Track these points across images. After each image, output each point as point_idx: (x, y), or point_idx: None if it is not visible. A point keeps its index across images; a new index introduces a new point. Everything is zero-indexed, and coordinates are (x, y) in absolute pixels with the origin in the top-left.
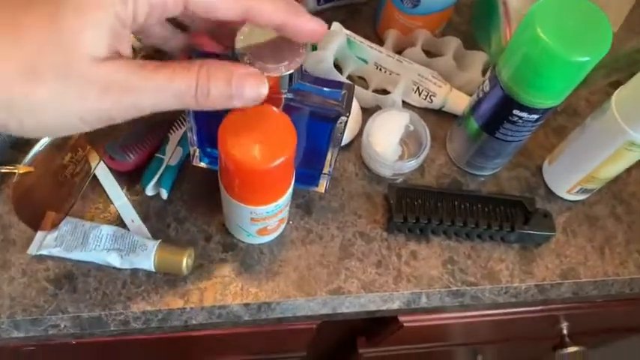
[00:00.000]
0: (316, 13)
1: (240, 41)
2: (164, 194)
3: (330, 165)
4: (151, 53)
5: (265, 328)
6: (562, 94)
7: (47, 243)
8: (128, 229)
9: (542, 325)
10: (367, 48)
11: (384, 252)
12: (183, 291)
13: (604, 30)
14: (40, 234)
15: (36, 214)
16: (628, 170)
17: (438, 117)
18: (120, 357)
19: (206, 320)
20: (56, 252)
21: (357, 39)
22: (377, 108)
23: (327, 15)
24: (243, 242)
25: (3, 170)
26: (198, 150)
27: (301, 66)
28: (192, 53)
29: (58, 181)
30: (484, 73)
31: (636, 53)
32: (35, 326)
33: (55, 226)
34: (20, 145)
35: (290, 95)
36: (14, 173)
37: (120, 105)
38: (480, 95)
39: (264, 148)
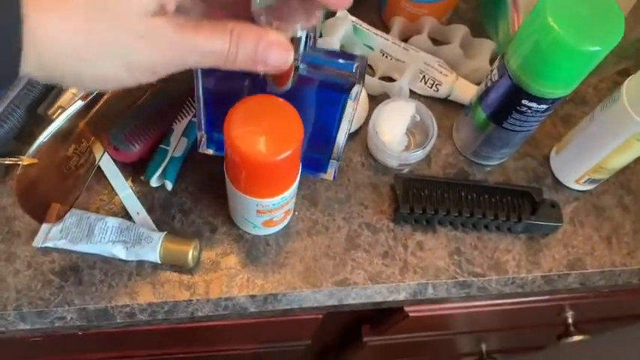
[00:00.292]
0: None
1: (256, 3)
2: (169, 186)
3: (340, 149)
4: None
5: (271, 318)
6: (572, 84)
7: (52, 235)
8: (133, 221)
9: (547, 314)
10: (373, 35)
11: (391, 243)
12: (189, 283)
13: (616, 20)
14: (45, 226)
15: (40, 206)
16: (636, 160)
17: (444, 106)
18: (126, 346)
19: (212, 312)
20: (61, 244)
21: (364, 26)
22: (384, 95)
23: None
24: (248, 234)
25: (6, 162)
26: (205, 136)
27: (315, 30)
28: None
29: (63, 173)
30: (491, 61)
31: None
32: (41, 318)
33: (60, 218)
34: (23, 136)
35: (303, 65)
36: (18, 165)
37: (163, 59)
38: (488, 84)
39: (270, 141)
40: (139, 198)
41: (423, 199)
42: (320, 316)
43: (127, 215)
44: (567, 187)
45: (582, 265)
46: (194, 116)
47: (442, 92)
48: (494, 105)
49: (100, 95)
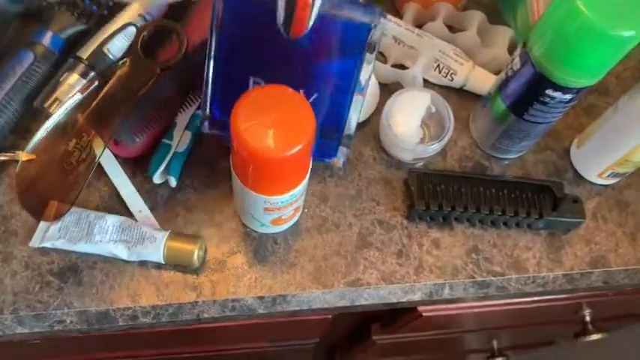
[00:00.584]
0: None
1: None
2: (173, 182)
3: (351, 128)
4: (157, 30)
5: (279, 318)
6: (600, 73)
7: (50, 235)
8: (135, 219)
9: (564, 312)
10: (386, 21)
11: (405, 241)
12: (194, 283)
13: None
14: (42, 225)
15: (41, 203)
16: None
17: (459, 96)
18: (129, 345)
19: (219, 314)
20: (60, 244)
21: None
22: (396, 84)
23: None
24: (256, 232)
25: (2, 158)
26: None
27: None
28: None
29: (64, 169)
30: (510, 49)
31: None
32: (40, 322)
33: (59, 216)
34: (20, 130)
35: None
36: (15, 161)
37: None
38: (509, 74)
39: (280, 134)
40: (141, 195)
41: (438, 195)
42: (330, 316)
43: (128, 213)
44: (589, 182)
45: (606, 262)
46: (198, 108)
47: (457, 81)
48: (515, 95)
49: (99, 87)
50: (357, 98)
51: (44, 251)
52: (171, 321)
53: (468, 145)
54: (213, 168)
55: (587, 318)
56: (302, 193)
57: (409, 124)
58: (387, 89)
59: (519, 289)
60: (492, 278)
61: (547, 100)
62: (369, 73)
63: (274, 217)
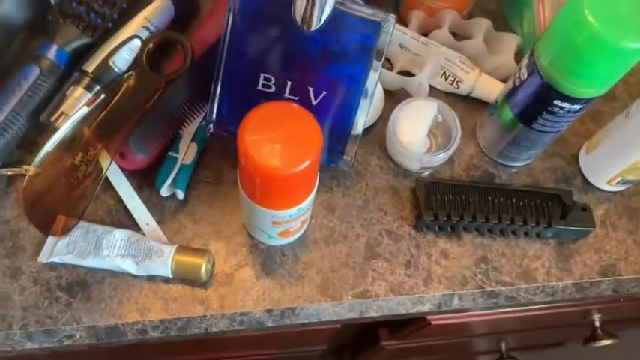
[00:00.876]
0: None
1: None
2: (180, 195)
3: (358, 129)
4: (162, 41)
5: (288, 329)
6: (608, 84)
7: (58, 250)
8: (143, 233)
9: (573, 317)
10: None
11: (413, 251)
12: (202, 297)
13: None
14: (50, 240)
15: (48, 218)
16: None
17: (466, 103)
18: (137, 354)
19: (227, 327)
20: (68, 259)
21: None
22: (402, 91)
23: None
24: (263, 243)
25: (10, 172)
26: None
27: None
28: None
29: (71, 183)
30: (516, 57)
31: None
32: (49, 337)
33: (67, 231)
34: (27, 145)
35: None
36: (22, 175)
37: None
38: (516, 83)
39: (287, 151)
40: (148, 208)
41: (446, 205)
42: (338, 325)
43: (135, 226)
44: (597, 189)
45: (616, 271)
46: (203, 119)
47: (464, 89)
48: (522, 105)
49: (105, 101)
50: (363, 102)
51: (53, 266)
52: (180, 334)
53: (476, 154)
54: (219, 180)
55: (597, 323)
56: (309, 206)
57: (416, 133)
58: (393, 96)
59: (529, 298)
60: (502, 288)
61: (556, 109)
62: (376, 79)
63: (282, 229)
